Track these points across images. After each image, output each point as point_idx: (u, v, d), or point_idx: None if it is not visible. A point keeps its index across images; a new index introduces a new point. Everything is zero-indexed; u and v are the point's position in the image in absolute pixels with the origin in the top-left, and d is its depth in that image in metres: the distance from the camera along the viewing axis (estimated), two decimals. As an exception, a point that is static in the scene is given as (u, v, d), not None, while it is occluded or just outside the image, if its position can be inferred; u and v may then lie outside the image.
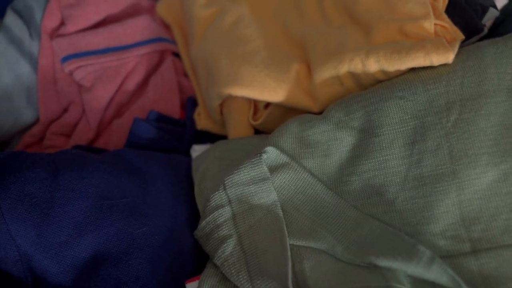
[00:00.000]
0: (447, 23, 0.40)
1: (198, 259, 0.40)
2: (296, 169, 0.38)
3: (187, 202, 0.43)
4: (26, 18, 0.55)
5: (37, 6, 0.55)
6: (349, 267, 0.34)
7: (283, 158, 0.38)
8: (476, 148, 0.35)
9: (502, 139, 0.35)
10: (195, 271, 0.40)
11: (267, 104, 0.46)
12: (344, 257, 0.35)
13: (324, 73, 0.41)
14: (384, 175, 0.36)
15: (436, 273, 0.32)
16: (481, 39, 0.43)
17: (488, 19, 0.44)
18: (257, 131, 0.47)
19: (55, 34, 0.55)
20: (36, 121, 0.54)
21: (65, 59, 0.53)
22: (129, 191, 0.41)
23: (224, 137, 0.49)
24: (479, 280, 0.33)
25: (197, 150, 0.46)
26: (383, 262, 0.33)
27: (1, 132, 0.51)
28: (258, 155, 0.37)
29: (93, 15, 0.55)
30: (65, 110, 0.53)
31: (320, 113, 0.42)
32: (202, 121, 0.51)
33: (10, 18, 0.54)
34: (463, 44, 0.41)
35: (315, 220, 0.36)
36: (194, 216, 0.42)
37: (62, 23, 0.55)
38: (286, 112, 0.45)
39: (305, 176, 0.38)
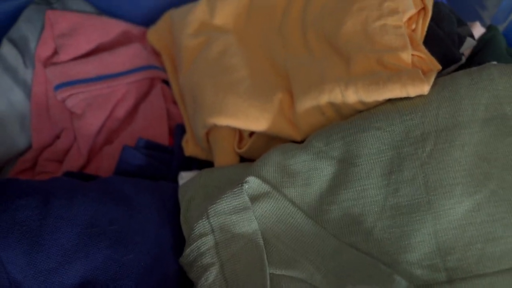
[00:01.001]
0: (424, 54, 0.41)
1: (183, 285, 0.41)
2: (277, 198, 0.38)
3: (174, 229, 0.44)
4: (21, 47, 0.56)
5: (31, 36, 0.56)
6: (327, 296, 0.35)
7: (264, 187, 0.39)
8: (450, 178, 0.36)
9: (476, 169, 0.36)
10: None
11: (252, 133, 0.47)
12: (323, 285, 0.35)
13: (306, 103, 0.42)
14: (362, 204, 0.37)
15: (411, 302, 0.33)
16: (459, 68, 0.44)
17: (466, 48, 0.45)
18: (243, 158, 0.48)
19: (48, 62, 0.56)
20: (29, 148, 0.55)
21: (58, 87, 0.54)
22: (117, 219, 0.42)
23: (211, 164, 0.49)
24: (455, 309, 0.33)
25: (184, 177, 0.47)
26: (360, 291, 0.34)
27: (-5, 160, 0.53)
28: (240, 185, 0.38)
29: (85, 44, 0.57)
30: (58, 137, 0.54)
31: (302, 141, 0.43)
32: (190, 148, 0.51)
33: (5, 48, 0.55)
34: (442, 73, 0.42)
35: (295, 248, 0.37)
36: (180, 243, 0.43)
37: (56, 52, 0.56)
38: (270, 140, 0.46)
39: (286, 205, 0.38)
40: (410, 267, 0.35)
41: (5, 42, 0.56)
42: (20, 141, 0.54)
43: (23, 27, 0.57)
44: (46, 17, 0.56)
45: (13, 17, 0.57)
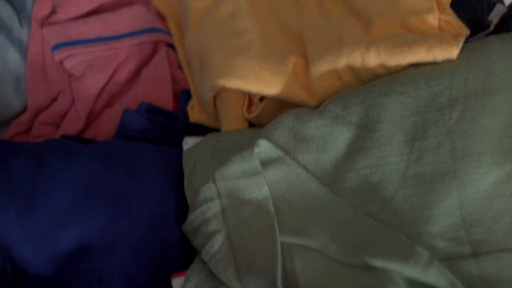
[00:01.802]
0: (451, 18, 0.39)
1: (186, 253, 0.39)
2: (289, 164, 0.36)
3: (176, 195, 0.42)
4: (16, 5, 0.53)
5: (28, -7, 0.54)
6: (342, 267, 0.33)
7: (276, 152, 0.36)
8: (479, 147, 0.33)
9: (507, 138, 0.33)
10: (182, 266, 0.38)
11: (262, 97, 0.44)
12: (338, 256, 0.33)
13: (322, 67, 0.40)
14: (382, 172, 0.35)
15: (434, 276, 0.31)
16: (486, 36, 0.41)
17: (495, 15, 0.43)
18: (251, 125, 0.46)
19: (45, 22, 0.53)
20: (24, 110, 0.52)
21: (56, 47, 0.51)
22: (116, 183, 0.40)
23: (217, 130, 0.47)
24: (479, 284, 0.32)
25: (188, 142, 0.44)
26: (378, 263, 0.32)
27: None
28: (250, 148, 0.36)
29: (85, 3, 0.54)
30: (54, 100, 0.52)
31: (316, 107, 0.40)
32: (195, 114, 0.49)
33: (0, 5, 0.52)
34: (468, 41, 0.40)
35: (308, 217, 0.35)
36: (182, 210, 0.40)
37: (53, 11, 0.53)
38: (282, 105, 0.43)
39: (299, 172, 0.36)
40: (432, 239, 0.33)
41: (-1, -1, 0.53)
42: (14, 103, 0.52)
43: (20, -16, 0.54)
44: (45, -27, 0.53)
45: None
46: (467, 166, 0.33)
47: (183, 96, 0.51)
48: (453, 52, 0.35)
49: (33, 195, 0.37)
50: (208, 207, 0.35)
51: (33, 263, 0.37)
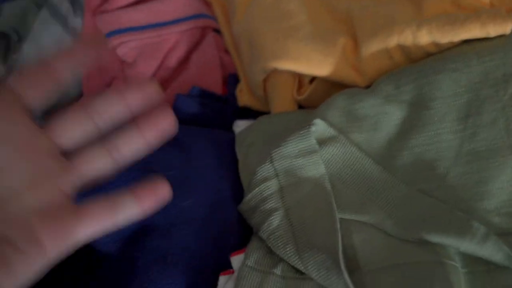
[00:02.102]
0: (503, -7, 0.39)
1: (243, 232, 0.40)
2: (344, 143, 0.37)
3: (231, 177, 0.43)
4: (70, -5, 0.55)
5: (80, -17, 0.55)
6: (399, 242, 0.34)
7: (331, 131, 0.37)
8: (535, 122, 0.33)
9: None
10: (240, 244, 0.39)
11: (312, 79, 0.45)
12: (394, 231, 0.34)
13: (373, 46, 0.40)
14: (436, 149, 0.35)
15: (490, 250, 0.31)
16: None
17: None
18: (301, 107, 0.46)
19: (98, 10, 0.55)
20: (80, 96, 0.55)
21: (108, 35, 0.53)
22: (175, 164, 0.41)
23: (265, 114, 0.48)
24: (536, 258, 0.32)
25: (240, 125, 0.45)
26: (435, 238, 0.32)
27: (48, 106, 0.52)
28: (307, 127, 0.36)
29: (135, -9, 0.55)
30: (108, 86, 0.54)
31: (367, 87, 0.41)
32: (244, 98, 0.50)
33: (54, -6, 0.54)
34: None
35: (364, 194, 0.36)
36: (238, 191, 0.42)
37: (105, 0, 0.55)
38: (331, 87, 0.44)
39: (353, 150, 0.37)
40: (487, 215, 0.33)
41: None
42: (71, 90, 0.54)
43: (73, -25, 0.56)
44: (96, -37, 0.55)
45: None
46: (523, 142, 0.33)
47: (232, 80, 0.52)
48: (507, 27, 0.35)
49: None
50: (266, 186, 0.36)
51: (99, 242, 0.39)
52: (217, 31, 0.57)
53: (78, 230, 0.28)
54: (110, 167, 0.31)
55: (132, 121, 0.31)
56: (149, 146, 0.32)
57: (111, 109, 0.30)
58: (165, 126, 0.32)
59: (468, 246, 0.32)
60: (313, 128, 0.36)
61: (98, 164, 0.31)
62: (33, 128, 0.29)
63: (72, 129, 0.30)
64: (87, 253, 0.38)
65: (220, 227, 0.40)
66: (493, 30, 0.35)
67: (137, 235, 0.39)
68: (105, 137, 0.31)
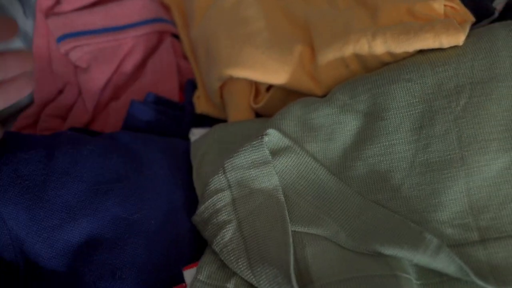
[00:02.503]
0: (457, 4, 0.39)
1: (196, 245, 0.39)
2: (298, 153, 0.36)
3: (185, 186, 0.42)
4: (21, -4, 0.53)
5: (32, -16, 0.53)
6: (352, 254, 0.33)
7: (285, 141, 0.36)
8: (486, 133, 0.33)
9: (514, 124, 0.34)
10: (193, 257, 0.38)
11: (269, 87, 0.44)
12: (348, 244, 0.33)
13: (329, 55, 0.40)
14: (389, 160, 0.35)
15: (443, 262, 0.31)
16: (491, 23, 0.41)
17: (499, 3, 0.42)
18: (258, 115, 0.46)
19: (50, 12, 0.53)
20: (31, 103, 0.52)
21: (61, 38, 0.51)
22: (125, 175, 0.40)
23: (223, 121, 0.47)
24: (487, 269, 0.32)
25: (196, 133, 0.44)
26: (388, 250, 0.32)
27: (-2, 113, 0.50)
28: (260, 137, 0.36)
29: (90, -7, 0.54)
30: (61, 92, 0.52)
31: (323, 96, 0.41)
32: (201, 105, 0.49)
33: (4, -5, 0.52)
34: (472, 28, 0.40)
35: (317, 206, 0.35)
36: (191, 201, 0.41)
37: (58, 2, 0.53)
38: (288, 95, 0.43)
39: (307, 161, 0.36)
40: (440, 226, 0.33)
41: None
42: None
43: (24, -25, 0.54)
44: (48, -37, 0.53)
45: (13, -37, 0.54)
46: (474, 153, 0.33)
47: (189, 86, 0.51)
48: (459, 39, 0.36)
49: (43, 190, 0.37)
50: (218, 198, 0.36)
51: (45, 256, 0.37)
52: (175, 36, 0.56)
53: None
54: None
55: None
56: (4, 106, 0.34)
57: None
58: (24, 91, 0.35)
59: (421, 258, 0.31)
60: (266, 139, 0.36)
61: None
62: None
63: None
64: (27, 269, 0.37)
65: (172, 239, 0.39)
66: (446, 41, 0.36)
67: (83, 248, 0.37)
68: None
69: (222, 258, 0.34)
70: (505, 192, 0.33)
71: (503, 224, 0.33)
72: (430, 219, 0.33)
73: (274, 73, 0.41)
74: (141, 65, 0.53)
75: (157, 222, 0.39)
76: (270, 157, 0.36)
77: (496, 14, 0.42)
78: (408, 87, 0.35)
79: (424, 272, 0.32)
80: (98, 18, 0.52)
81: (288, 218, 0.34)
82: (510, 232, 0.32)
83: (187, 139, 0.47)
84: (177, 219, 0.40)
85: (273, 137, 0.36)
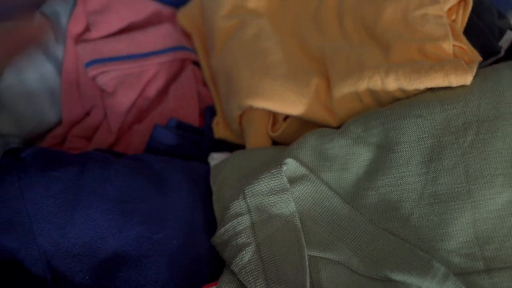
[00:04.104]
0: (465, 44, 0.41)
1: (215, 264, 0.41)
2: (314, 182, 0.39)
3: (204, 208, 0.44)
4: (53, 22, 0.56)
5: (63, 11, 0.56)
6: (364, 279, 0.35)
7: (301, 170, 0.39)
8: (492, 169, 0.36)
9: (517, 161, 0.36)
10: (212, 277, 0.40)
11: (286, 117, 0.47)
12: (360, 269, 0.36)
13: (344, 89, 0.42)
14: (400, 191, 0.37)
15: (450, 289, 0.33)
16: (497, 61, 0.44)
17: (505, 42, 0.45)
18: (275, 142, 0.48)
19: (79, 39, 0.56)
20: (59, 123, 0.55)
21: (89, 64, 0.54)
22: (149, 196, 0.42)
23: (240, 146, 0.50)
24: (492, 298, 0.34)
25: (215, 158, 0.47)
26: (398, 276, 0.34)
27: (25, 132, 0.53)
28: (279, 166, 0.38)
29: (117, 22, 0.56)
30: (87, 114, 0.55)
31: (337, 127, 0.43)
32: (220, 130, 0.52)
33: (37, 21, 0.55)
34: (480, 64, 0.42)
35: (331, 232, 0.37)
36: (210, 223, 0.43)
37: (87, 29, 0.56)
38: (304, 125, 0.46)
39: (322, 189, 0.38)
40: (447, 255, 0.35)
41: (37, 16, 0.56)
42: (50, 116, 0.54)
43: (56, 2, 0.57)
44: (79, -7, 0.56)
45: (47, -8, 0.57)
46: (481, 187, 0.35)
47: (208, 112, 0.53)
48: (467, 79, 0.38)
49: (74, 208, 0.39)
50: (238, 222, 0.38)
51: (73, 271, 0.39)
52: (196, 63, 0.58)
53: None
54: None
55: None
56: None
57: None
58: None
59: (429, 285, 0.33)
60: (284, 167, 0.38)
61: None
62: None
63: None
64: (55, 283, 0.38)
65: (192, 259, 0.41)
66: (455, 80, 0.38)
67: (109, 265, 0.39)
68: None
69: (241, 279, 0.36)
70: (509, 224, 0.35)
71: (507, 255, 0.34)
72: (438, 248, 0.35)
73: (292, 104, 0.44)
74: (164, 91, 0.56)
75: (178, 242, 0.41)
76: (288, 185, 0.38)
77: (503, 52, 0.44)
78: (419, 123, 0.38)
79: (432, 298, 0.34)
80: (124, 45, 0.55)
81: (304, 242, 0.36)
82: (514, 262, 0.34)
83: (205, 162, 0.49)
84: (197, 240, 0.42)
85: (291, 166, 0.38)
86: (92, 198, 0.40)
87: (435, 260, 0.34)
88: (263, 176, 0.38)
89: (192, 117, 0.53)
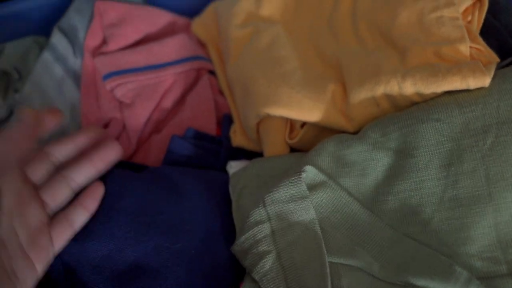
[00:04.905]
0: (482, 46, 0.41)
1: (235, 273, 0.42)
2: (333, 188, 0.39)
3: (222, 217, 0.44)
4: (70, 37, 0.57)
5: (80, 26, 0.57)
6: (386, 285, 0.35)
7: (321, 177, 0.39)
8: (512, 171, 0.35)
9: (538, 162, 0.35)
10: (232, 282, 0.41)
11: (303, 123, 0.47)
12: (381, 275, 0.35)
13: (361, 95, 0.42)
14: (420, 195, 0.37)
15: (473, 293, 0.33)
16: (515, 61, 0.43)
17: (523, 41, 0.44)
18: (293, 149, 0.48)
19: (97, 52, 0.57)
20: (78, 136, 0.56)
21: (107, 76, 0.55)
22: (166, 207, 0.43)
23: (258, 154, 0.50)
24: (516, 301, 0.33)
25: (233, 166, 0.47)
26: (420, 282, 0.34)
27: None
28: (298, 173, 0.38)
29: (133, 34, 0.57)
30: (106, 126, 0.55)
31: (355, 133, 0.43)
32: (237, 138, 0.52)
33: (56, 37, 0.57)
34: (497, 66, 0.42)
35: (352, 238, 0.37)
36: (229, 231, 0.43)
37: (104, 42, 0.57)
38: (321, 131, 0.46)
39: (342, 195, 0.39)
40: (469, 259, 0.35)
41: (55, 31, 0.57)
42: (70, 129, 0.55)
43: (73, 17, 0.58)
44: (96, 7, 0.57)
45: (64, 7, 0.58)
46: (502, 190, 0.35)
47: (226, 121, 0.54)
48: (485, 81, 0.38)
49: (93, 223, 0.40)
50: (259, 230, 0.38)
51: (93, 283, 0.40)
52: (212, 72, 0.59)
53: (52, 247, 0.37)
54: (69, 196, 0.40)
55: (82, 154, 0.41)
56: (100, 173, 0.42)
57: (65, 153, 0.40)
58: (114, 157, 0.42)
59: (452, 290, 0.33)
60: (303, 175, 0.38)
61: (61, 196, 0.39)
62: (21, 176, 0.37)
63: (39, 170, 0.38)
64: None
65: (212, 267, 0.41)
66: (473, 83, 0.38)
67: (129, 275, 0.40)
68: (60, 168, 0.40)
69: (262, 286, 0.36)
70: (531, 226, 0.35)
71: (531, 258, 0.34)
72: (460, 252, 0.35)
73: (308, 111, 0.44)
74: (181, 101, 0.56)
75: (197, 251, 0.42)
76: (307, 192, 0.38)
77: (521, 53, 0.44)
78: (437, 127, 0.38)
79: (455, 303, 0.34)
80: (140, 57, 0.56)
81: (324, 249, 0.36)
82: (538, 265, 0.34)
83: (223, 171, 0.49)
84: (216, 248, 0.42)
85: (310, 173, 0.39)
86: (111, 214, 0.41)
87: (457, 265, 0.34)
88: (283, 184, 0.38)
89: (210, 126, 0.54)
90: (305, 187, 0.38)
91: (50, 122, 0.40)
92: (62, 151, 0.40)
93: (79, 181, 0.40)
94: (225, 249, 0.43)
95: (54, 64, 0.55)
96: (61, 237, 0.38)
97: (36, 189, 0.38)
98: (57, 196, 0.39)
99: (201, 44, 0.61)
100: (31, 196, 0.37)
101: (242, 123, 0.51)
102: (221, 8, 0.58)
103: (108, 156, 0.42)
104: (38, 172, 0.38)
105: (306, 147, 0.44)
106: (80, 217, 0.40)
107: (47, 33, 0.58)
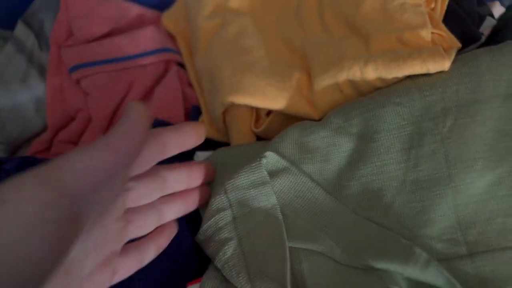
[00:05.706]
0: (444, 31, 0.41)
1: (199, 262, 0.41)
2: (295, 174, 0.38)
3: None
4: (36, 30, 0.56)
5: (47, 18, 0.57)
6: (347, 269, 0.35)
7: (282, 163, 0.39)
8: (471, 153, 0.35)
9: (498, 144, 0.35)
10: (197, 274, 0.40)
11: (269, 112, 0.46)
12: (342, 259, 0.35)
13: (324, 81, 0.42)
14: (381, 179, 0.37)
15: (432, 275, 0.33)
16: (479, 47, 0.43)
17: (486, 28, 0.45)
18: (259, 138, 0.48)
19: (63, 44, 0.56)
20: (44, 129, 0.55)
21: (73, 68, 0.54)
22: None
23: (226, 144, 0.49)
24: (476, 282, 0.33)
25: (200, 156, 0.47)
26: (380, 264, 0.34)
27: (10, 139, 0.53)
28: (258, 159, 0.38)
29: (100, 26, 0.57)
30: (73, 119, 0.55)
31: (320, 120, 0.43)
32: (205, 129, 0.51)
33: (20, 30, 0.56)
34: (461, 52, 0.42)
35: (314, 223, 0.37)
36: (194, 221, 0.43)
37: (70, 34, 0.56)
38: (287, 119, 0.45)
39: (304, 181, 0.38)
40: (430, 241, 0.35)
41: (20, 24, 0.56)
42: (35, 122, 0.55)
43: (39, 10, 0.57)
44: (62, -1, 0.56)
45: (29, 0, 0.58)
46: (461, 172, 0.35)
47: (194, 112, 0.53)
48: (445, 65, 0.38)
49: None
50: (220, 217, 0.38)
51: None
52: (181, 65, 0.58)
53: (110, 282, 0.32)
54: (152, 228, 0.36)
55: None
56: (184, 214, 0.39)
57: (176, 184, 0.37)
58: (203, 202, 0.40)
59: (411, 271, 0.33)
60: (264, 161, 0.38)
61: (146, 229, 0.35)
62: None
63: (144, 197, 0.34)
64: None
65: (176, 257, 0.41)
66: (432, 67, 0.38)
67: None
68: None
69: (224, 274, 0.36)
70: (491, 207, 0.35)
71: (489, 238, 0.34)
72: (420, 235, 0.35)
73: (273, 99, 0.44)
74: (149, 93, 0.56)
75: None
76: (268, 178, 0.38)
77: (483, 39, 0.44)
78: (398, 110, 0.38)
79: (415, 285, 0.34)
80: (108, 49, 0.55)
81: (285, 235, 0.36)
82: (496, 245, 0.34)
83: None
84: (181, 238, 0.42)
85: (271, 159, 0.38)
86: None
87: (417, 247, 0.34)
88: (243, 170, 0.38)
89: (178, 118, 0.53)
90: (266, 173, 0.38)
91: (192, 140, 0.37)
92: (174, 182, 0.37)
93: (168, 218, 0.37)
94: (190, 238, 0.42)
95: (17, 55, 0.54)
96: (127, 270, 0.34)
97: (126, 212, 0.33)
98: (143, 228, 0.35)
99: (170, 37, 0.60)
100: (118, 223, 0.32)
101: (210, 114, 0.51)
102: (190, 0, 0.57)
103: (200, 200, 0.39)
104: (146, 194, 0.34)
105: (273, 135, 0.44)
106: (151, 254, 0.36)
107: (12, 27, 0.57)
